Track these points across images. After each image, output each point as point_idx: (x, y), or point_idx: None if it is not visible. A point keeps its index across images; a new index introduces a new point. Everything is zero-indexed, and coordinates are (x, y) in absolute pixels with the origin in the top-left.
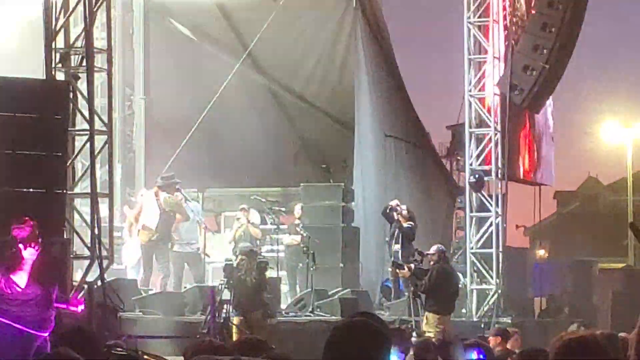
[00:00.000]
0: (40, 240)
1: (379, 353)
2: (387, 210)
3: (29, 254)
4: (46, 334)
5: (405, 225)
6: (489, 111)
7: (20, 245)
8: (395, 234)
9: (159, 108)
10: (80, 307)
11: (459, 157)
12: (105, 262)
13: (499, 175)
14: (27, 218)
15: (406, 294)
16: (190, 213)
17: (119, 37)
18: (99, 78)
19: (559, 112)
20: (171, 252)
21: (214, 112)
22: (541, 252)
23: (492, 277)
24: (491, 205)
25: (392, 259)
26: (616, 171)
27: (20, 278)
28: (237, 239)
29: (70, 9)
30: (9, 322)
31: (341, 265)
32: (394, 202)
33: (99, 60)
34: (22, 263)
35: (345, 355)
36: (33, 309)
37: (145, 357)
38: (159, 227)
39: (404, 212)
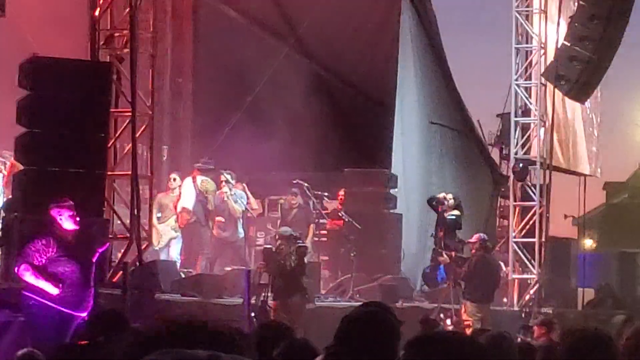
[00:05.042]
0: (77, 219)
1: (387, 345)
2: (433, 203)
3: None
4: (84, 315)
5: (448, 216)
6: (535, 100)
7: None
8: (440, 223)
9: (206, 91)
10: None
11: (504, 146)
12: (143, 244)
13: (543, 165)
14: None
15: (445, 284)
16: (235, 204)
17: (168, 20)
18: (148, 60)
19: (607, 102)
20: (211, 235)
21: (261, 96)
22: (588, 243)
23: (534, 267)
24: (535, 194)
25: (435, 246)
26: None
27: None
28: (290, 223)
29: None
30: (49, 303)
31: (383, 251)
32: (440, 195)
33: (145, 43)
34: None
35: (353, 346)
36: (72, 289)
37: None
38: (195, 209)
39: (450, 202)
